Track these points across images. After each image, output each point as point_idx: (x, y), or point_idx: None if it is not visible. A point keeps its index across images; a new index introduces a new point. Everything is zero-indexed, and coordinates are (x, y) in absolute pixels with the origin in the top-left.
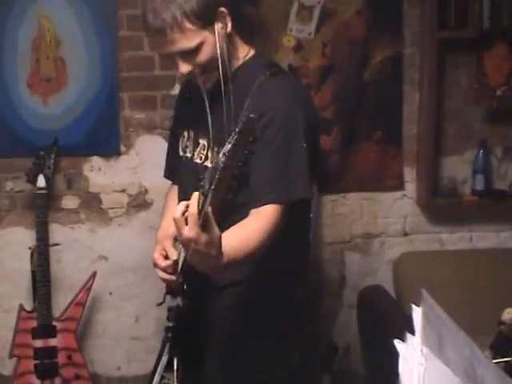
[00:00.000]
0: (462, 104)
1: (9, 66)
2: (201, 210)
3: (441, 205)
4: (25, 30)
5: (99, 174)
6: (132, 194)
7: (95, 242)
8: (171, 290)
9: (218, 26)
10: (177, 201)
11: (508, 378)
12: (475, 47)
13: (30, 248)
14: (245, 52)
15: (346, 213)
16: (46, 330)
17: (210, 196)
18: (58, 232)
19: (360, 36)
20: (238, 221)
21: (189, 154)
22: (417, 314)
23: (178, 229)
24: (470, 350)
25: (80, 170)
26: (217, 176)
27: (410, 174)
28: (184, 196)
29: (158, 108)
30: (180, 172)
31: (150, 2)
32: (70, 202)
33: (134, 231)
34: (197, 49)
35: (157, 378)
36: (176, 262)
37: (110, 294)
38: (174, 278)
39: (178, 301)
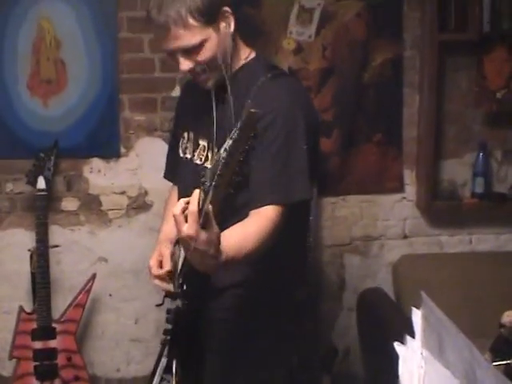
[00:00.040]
0: (462, 107)
1: (9, 67)
2: (201, 209)
3: (441, 207)
4: (25, 31)
5: (99, 175)
6: (132, 195)
7: (95, 244)
8: (170, 293)
9: (221, 25)
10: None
11: (508, 380)
12: (475, 50)
13: (29, 250)
14: (246, 54)
15: (346, 215)
16: (45, 331)
17: (210, 193)
18: (57, 234)
19: (360, 38)
20: (238, 222)
21: (189, 155)
22: (416, 316)
23: (178, 226)
24: (470, 353)
25: (80, 172)
26: (218, 172)
27: (409, 177)
28: (183, 197)
29: (158, 110)
30: (180, 173)
31: None
32: (69, 203)
33: (133, 233)
34: (199, 46)
35: (156, 379)
36: (170, 272)
37: (110, 295)
38: (167, 286)
39: (178, 302)
